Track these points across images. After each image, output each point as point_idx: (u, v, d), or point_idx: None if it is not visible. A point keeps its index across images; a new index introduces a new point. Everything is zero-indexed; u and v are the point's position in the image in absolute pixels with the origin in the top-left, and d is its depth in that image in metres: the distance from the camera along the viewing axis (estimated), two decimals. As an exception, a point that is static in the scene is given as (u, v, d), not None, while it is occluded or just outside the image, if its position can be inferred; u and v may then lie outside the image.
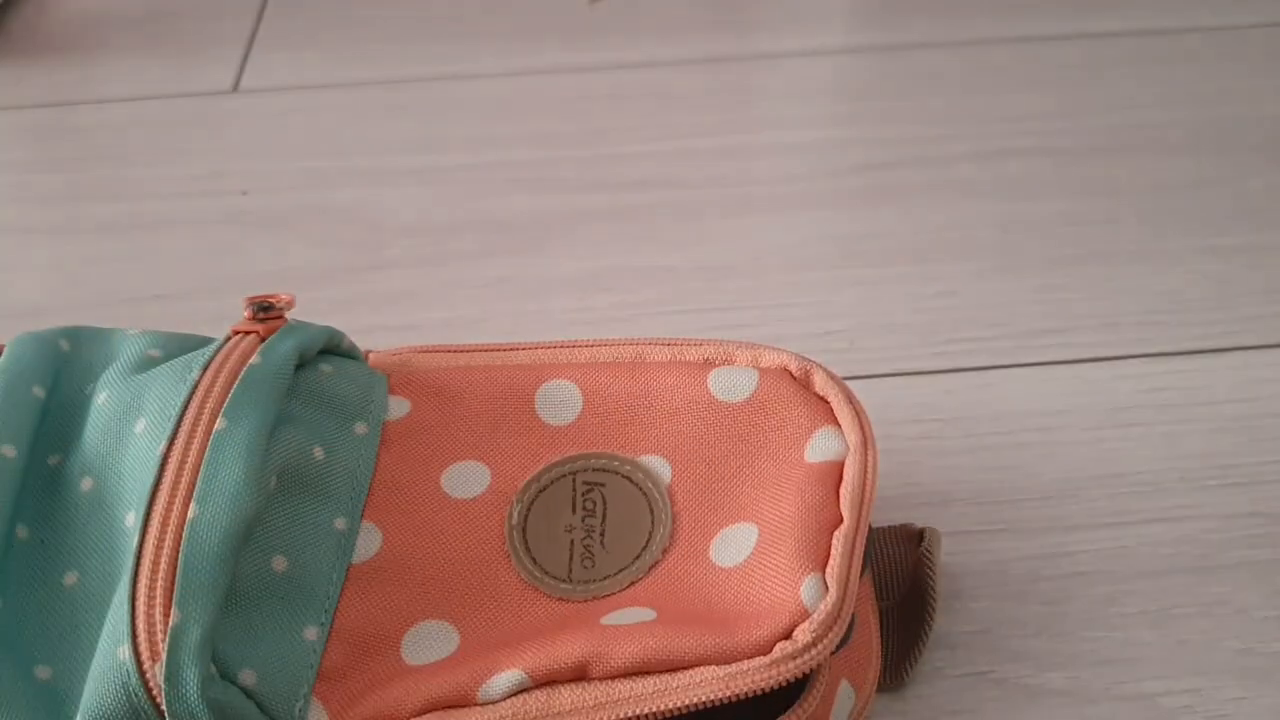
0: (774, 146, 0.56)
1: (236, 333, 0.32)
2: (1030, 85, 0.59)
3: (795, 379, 0.32)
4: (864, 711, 0.31)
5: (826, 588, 0.28)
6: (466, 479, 0.32)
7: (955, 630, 0.35)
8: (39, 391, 0.31)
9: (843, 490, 0.29)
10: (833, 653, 0.27)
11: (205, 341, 0.33)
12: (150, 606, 0.27)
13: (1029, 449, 0.40)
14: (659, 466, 0.31)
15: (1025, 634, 0.35)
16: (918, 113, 0.57)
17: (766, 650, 0.27)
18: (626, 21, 0.64)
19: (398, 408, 0.33)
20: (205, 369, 0.30)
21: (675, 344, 0.33)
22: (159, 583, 0.27)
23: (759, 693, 0.26)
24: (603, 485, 0.31)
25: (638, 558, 0.30)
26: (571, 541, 0.30)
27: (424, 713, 0.27)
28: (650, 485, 0.31)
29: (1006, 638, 0.35)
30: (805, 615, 0.27)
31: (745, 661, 0.26)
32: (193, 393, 0.30)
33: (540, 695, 0.27)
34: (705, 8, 0.65)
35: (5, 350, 0.32)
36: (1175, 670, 0.34)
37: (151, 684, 0.26)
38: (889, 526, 0.35)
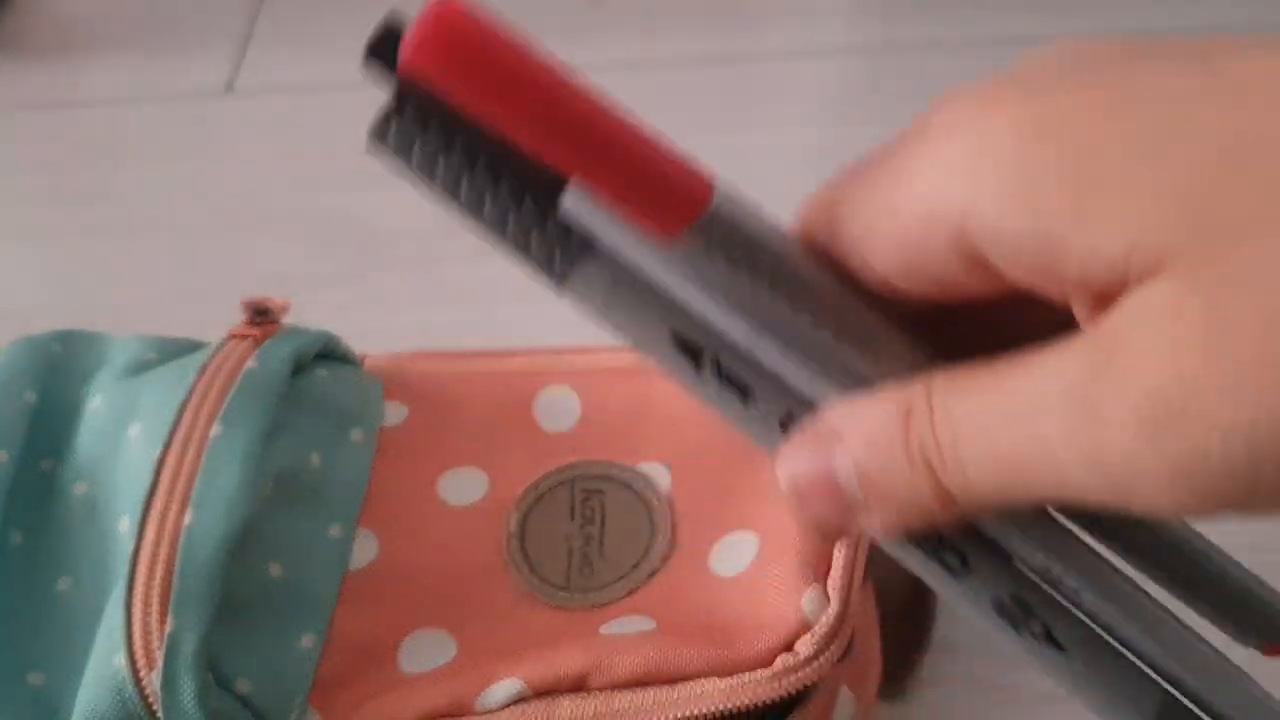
0: (775, 146, 0.55)
1: (232, 337, 0.32)
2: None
3: (796, 386, 0.32)
4: (864, 718, 0.31)
5: (828, 600, 0.27)
6: (464, 486, 0.32)
7: (957, 636, 0.35)
8: (31, 396, 0.31)
9: (845, 500, 0.29)
10: (835, 665, 0.27)
11: (200, 346, 0.33)
12: (146, 614, 0.27)
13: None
14: (658, 474, 0.31)
15: (1027, 639, 0.35)
16: (916, 113, 0.56)
17: (767, 663, 0.26)
18: (627, 20, 0.64)
19: (394, 414, 0.33)
20: (201, 373, 0.30)
21: (674, 349, 0.33)
22: (155, 589, 0.27)
23: (760, 705, 0.26)
24: (601, 493, 0.31)
25: (637, 566, 0.30)
26: (570, 550, 0.30)
27: (421, 722, 0.27)
28: (649, 493, 0.31)
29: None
30: (807, 627, 0.27)
31: (746, 674, 0.26)
32: (188, 397, 0.30)
33: (539, 705, 0.27)
34: (703, 7, 0.65)
35: (-2, 355, 0.32)
36: (1177, 675, 0.33)
37: (147, 692, 0.26)
38: (889, 531, 0.35)
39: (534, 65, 0.16)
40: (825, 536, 0.20)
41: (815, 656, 0.27)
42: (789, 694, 0.26)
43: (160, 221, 0.52)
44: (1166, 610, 0.20)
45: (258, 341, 0.32)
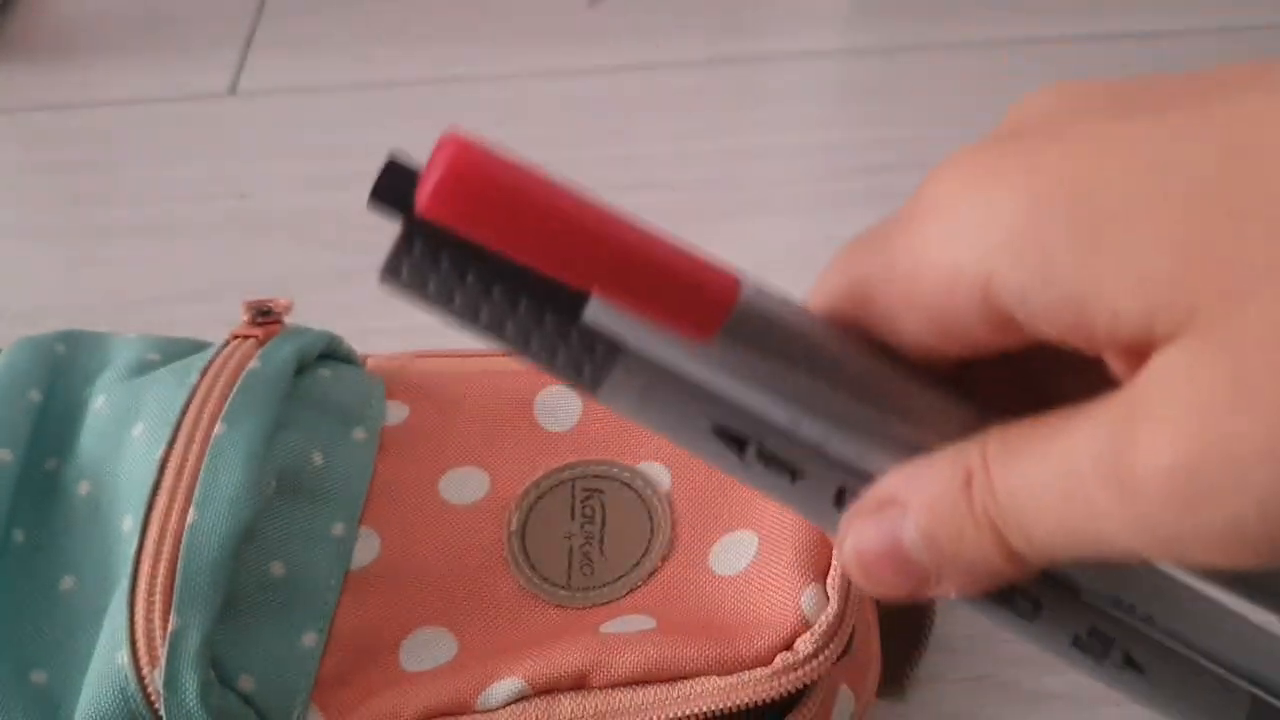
0: (774, 148, 0.55)
1: (235, 337, 0.32)
2: (1031, 86, 0.58)
3: (795, 385, 0.32)
4: (863, 716, 0.31)
5: (827, 599, 0.28)
6: (465, 485, 0.32)
7: (955, 634, 0.35)
8: (35, 396, 0.31)
9: (843, 499, 0.29)
10: (834, 664, 0.27)
11: (203, 346, 0.33)
12: (149, 612, 0.27)
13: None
14: (658, 473, 0.31)
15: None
16: (918, 114, 0.56)
17: (767, 661, 0.27)
18: (626, 23, 0.64)
19: (396, 413, 0.33)
20: (204, 373, 0.30)
21: (675, 349, 0.33)
22: (158, 588, 0.27)
23: (759, 704, 0.26)
24: (602, 492, 0.31)
25: (637, 565, 0.30)
26: (570, 548, 0.30)
27: (422, 720, 0.27)
28: (649, 492, 0.31)
29: (1007, 641, 0.35)
30: (806, 626, 0.27)
31: (746, 672, 0.26)
32: (191, 397, 0.30)
33: (540, 704, 0.27)
34: (705, 9, 0.65)
35: (2, 355, 0.32)
36: (1175, 675, 0.33)
37: (150, 689, 0.26)
38: (889, 531, 0.35)
39: (548, 195, 0.16)
40: (893, 601, 0.20)
41: (814, 655, 0.27)
42: (788, 692, 0.27)
43: (163, 222, 0.52)
44: (1241, 616, 0.20)
45: (260, 341, 0.32)
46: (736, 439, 0.19)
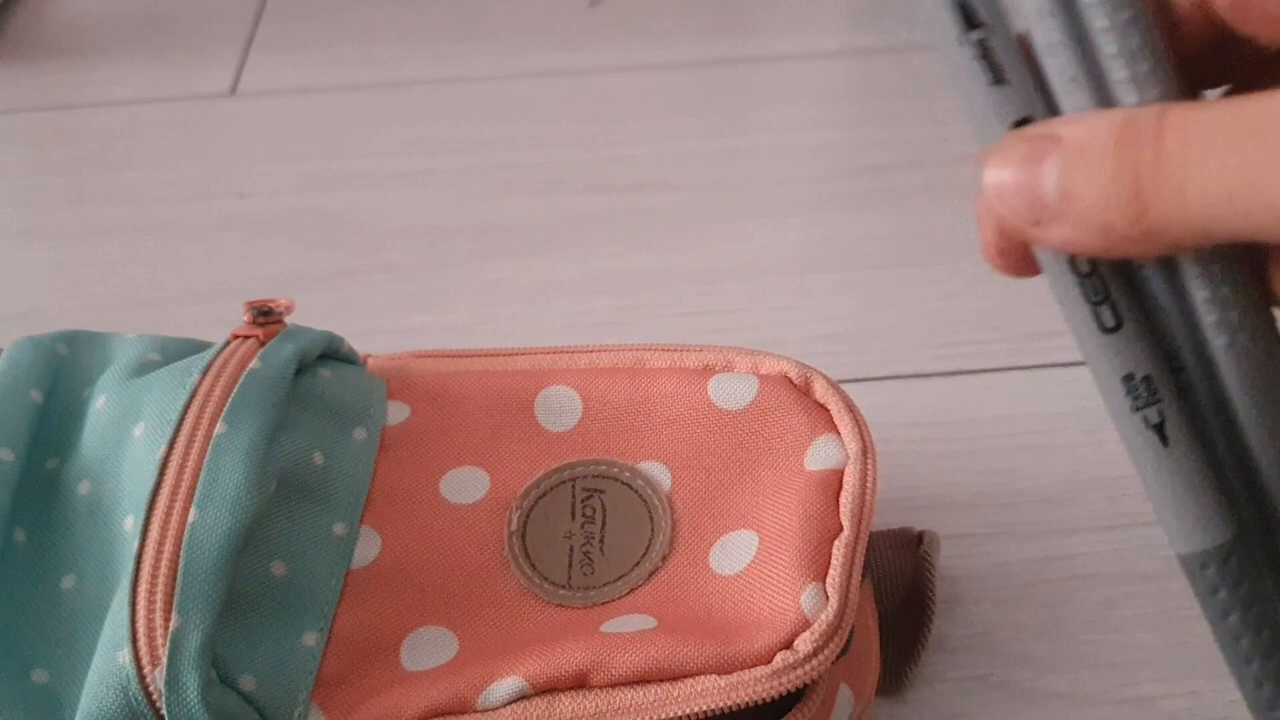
0: (773, 149, 0.55)
1: (236, 337, 0.32)
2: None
3: (795, 386, 0.32)
4: (863, 716, 0.31)
5: (827, 598, 0.28)
6: (466, 485, 0.32)
7: (954, 634, 0.35)
8: (36, 396, 0.31)
9: (843, 499, 0.29)
10: (834, 663, 0.27)
11: (204, 346, 0.33)
12: (150, 611, 0.27)
13: (1028, 452, 0.40)
14: (659, 473, 0.31)
15: (1025, 637, 0.35)
16: (917, 115, 0.56)
17: (767, 660, 0.27)
18: (625, 24, 0.64)
19: (397, 413, 0.33)
20: (205, 373, 0.30)
21: (675, 350, 0.33)
22: (159, 587, 0.27)
23: (760, 703, 0.26)
24: (602, 492, 0.31)
25: (637, 565, 0.30)
26: (571, 548, 0.30)
27: (423, 720, 0.27)
28: (650, 492, 0.31)
29: (1006, 641, 0.35)
30: (806, 625, 0.27)
31: (746, 671, 0.26)
32: (192, 397, 0.30)
33: (540, 703, 0.27)
34: (704, 10, 0.65)
35: (3, 355, 0.32)
36: (1175, 673, 0.34)
37: (151, 689, 0.26)
38: (888, 530, 0.35)
39: None
40: (1003, 235, 0.20)
41: (814, 654, 0.27)
42: (788, 691, 0.27)
43: (164, 222, 0.52)
44: None
45: (261, 341, 0.32)
46: (972, 17, 0.19)
